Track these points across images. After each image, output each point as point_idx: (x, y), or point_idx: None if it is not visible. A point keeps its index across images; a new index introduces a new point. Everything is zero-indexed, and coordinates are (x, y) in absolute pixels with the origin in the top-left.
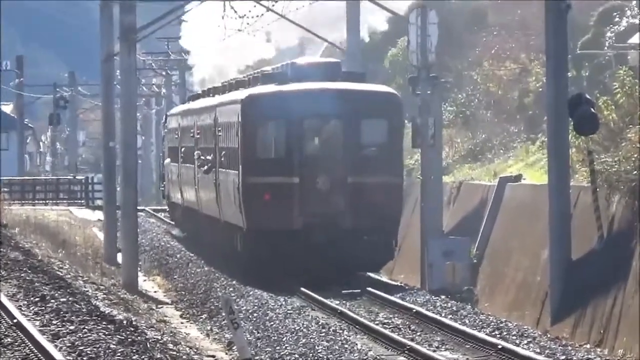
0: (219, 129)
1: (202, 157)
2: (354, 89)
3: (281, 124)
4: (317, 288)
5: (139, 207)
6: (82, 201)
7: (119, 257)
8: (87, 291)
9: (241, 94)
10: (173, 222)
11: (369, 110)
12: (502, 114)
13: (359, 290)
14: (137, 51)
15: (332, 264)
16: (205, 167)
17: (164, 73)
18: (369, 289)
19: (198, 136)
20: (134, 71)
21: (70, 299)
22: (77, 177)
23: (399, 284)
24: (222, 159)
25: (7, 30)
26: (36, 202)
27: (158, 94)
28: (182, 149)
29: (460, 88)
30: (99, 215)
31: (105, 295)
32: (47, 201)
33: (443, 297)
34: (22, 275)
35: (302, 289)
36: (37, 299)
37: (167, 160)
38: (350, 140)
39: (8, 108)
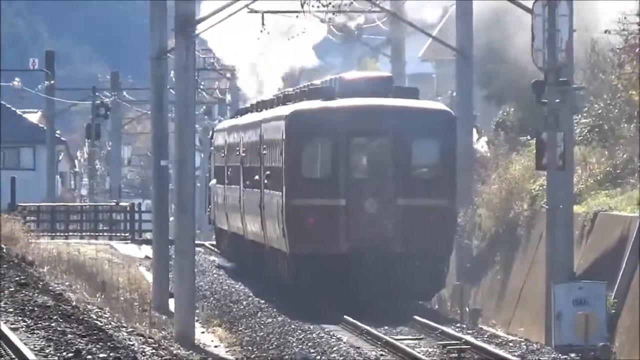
0: (264, 146)
1: (247, 182)
2: (405, 106)
3: (327, 142)
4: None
5: (196, 242)
6: (127, 234)
7: (172, 304)
8: (132, 345)
9: (286, 109)
10: (219, 251)
11: (421, 129)
12: None
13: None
14: (196, 47)
15: (380, 291)
16: (250, 187)
17: (228, 75)
18: (478, 343)
19: (244, 154)
20: (192, 72)
21: (111, 354)
22: (120, 204)
23: (518, 339)
24: (267, 180)
25: (30, 19)
26: (69, 234)
27: (222, 100)
28: (229, 169)
29: (596, 96)
30: (147, 251)
31: (154, 351)
32: (83, 233)
33: (572, 355)
34: (53, 324)
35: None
36: (70, 355)
37: (213, 182)
38: (400, 161)
39: (35, 117)
